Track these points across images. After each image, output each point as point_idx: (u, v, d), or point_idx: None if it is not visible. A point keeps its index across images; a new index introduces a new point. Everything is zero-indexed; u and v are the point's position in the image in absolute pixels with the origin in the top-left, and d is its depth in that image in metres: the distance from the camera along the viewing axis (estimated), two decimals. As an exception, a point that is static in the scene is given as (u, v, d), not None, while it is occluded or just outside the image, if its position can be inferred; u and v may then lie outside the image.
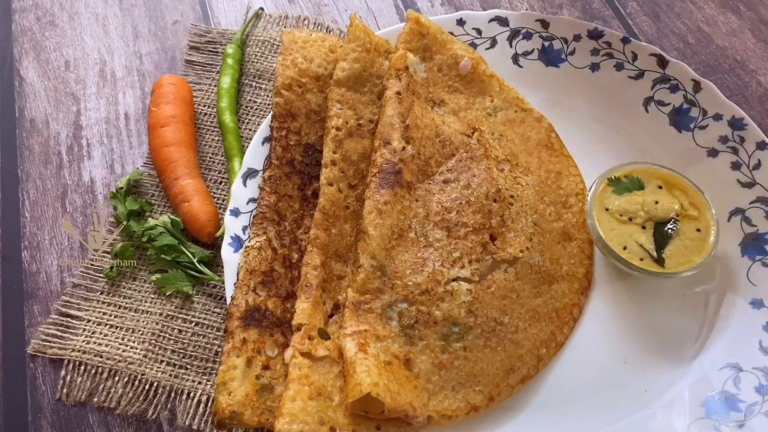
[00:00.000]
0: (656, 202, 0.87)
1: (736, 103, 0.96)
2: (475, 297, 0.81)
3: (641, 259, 0.84)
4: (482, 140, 0.93)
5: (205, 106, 1.11)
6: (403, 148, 0.87)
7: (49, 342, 0.90)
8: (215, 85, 1.13)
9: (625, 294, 0.88)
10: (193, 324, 0.91)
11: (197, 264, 0.92)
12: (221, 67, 1.12)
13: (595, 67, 1.02)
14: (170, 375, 0.87)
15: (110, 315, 0.92)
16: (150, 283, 0.94)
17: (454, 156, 0.91)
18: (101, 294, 0.93)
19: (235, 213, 0.89)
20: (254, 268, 0.83)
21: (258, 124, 1.07)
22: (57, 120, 1.11)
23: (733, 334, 0.83)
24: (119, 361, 0.88)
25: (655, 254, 0.84)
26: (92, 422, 0.85)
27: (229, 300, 0.82)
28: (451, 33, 1.03)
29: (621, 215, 0.87)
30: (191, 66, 1.16)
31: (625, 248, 0.85)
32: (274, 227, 0.87)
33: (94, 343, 0.89)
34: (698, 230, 0.85)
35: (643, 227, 0.86)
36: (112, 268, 0.94)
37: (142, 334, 0.90)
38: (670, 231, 0.85)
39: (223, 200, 1.01)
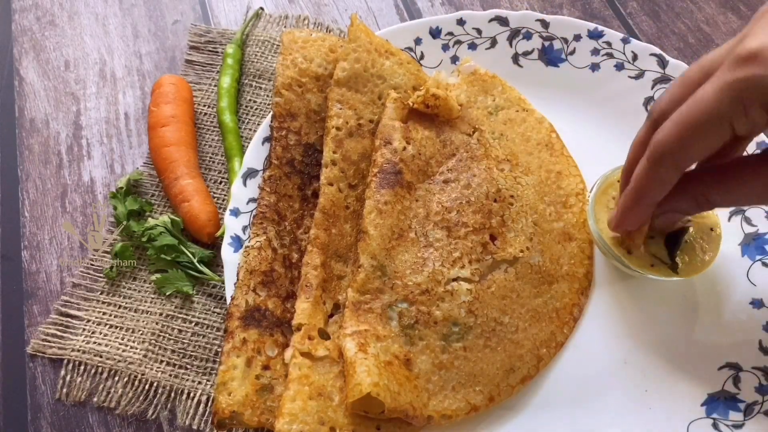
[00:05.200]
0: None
1: (736, 103, 0.96)
2: (475, 297, 0.81)
3: (646, 264, 0.83)
4: (482, 140, 0.93)
5: (205, 106, 1.11)
6: (404, 148, 0.87)
7: (49, 342, 0.90)
8: (215, 85, 1.12)
9: (625, 294, 0.88)
10: (193, 324, 0.91)
11: (197, 264, 0.92)
12: (221, 67, 1.12)
13: (595, 67, 1.02)
14: (170, 375, 0.87)
15: (110, 315, 0.92)
16: (150, 283, 0.94)
17: (455, 156, 0.91)
18: (101, 294, 0.93)
19: (235, 213, 0.89)
20: (254, 268, 0.83)
21: (258, 124, 1.07)
22: (57, 120, 1.11)
23: (733, 334, 0.83)
24: (119, 361, 0.88)
25: (656, 255, 0.84)
26: (92, 422, 0.85)
27: (229, 300, 0.82)
28: (451, 33, 1.03)
29: (621, 215, 0.86)
30: (191, 66, 1.16)
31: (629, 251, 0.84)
32: (274, 227, 0.87)
33: (94, 343, 0.89)
34: (712, 229, 0.84)
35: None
36: (112, 268, 0.94)
37: (142, 334, 0.90)
38: (679, 233, 0.83)
39: (223, 200, 1.01)
